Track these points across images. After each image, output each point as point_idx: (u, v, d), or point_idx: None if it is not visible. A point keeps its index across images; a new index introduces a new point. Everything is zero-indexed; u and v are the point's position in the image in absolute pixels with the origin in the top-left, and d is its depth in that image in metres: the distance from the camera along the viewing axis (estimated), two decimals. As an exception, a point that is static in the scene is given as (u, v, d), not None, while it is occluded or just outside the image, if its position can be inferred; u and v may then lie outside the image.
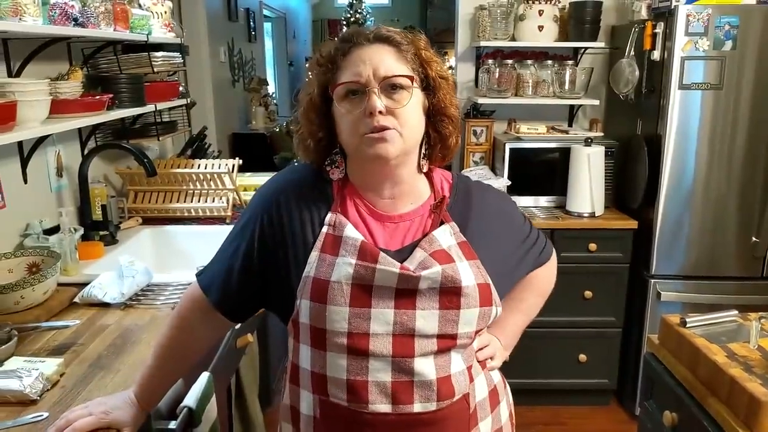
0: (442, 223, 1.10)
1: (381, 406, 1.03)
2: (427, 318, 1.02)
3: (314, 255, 1.05)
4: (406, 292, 1.03)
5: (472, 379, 1.11)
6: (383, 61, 1.03)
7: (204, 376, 1.45)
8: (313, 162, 1.13)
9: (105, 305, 1.73)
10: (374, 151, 1.03)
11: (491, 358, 1.21)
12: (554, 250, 1.34)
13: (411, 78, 1.04)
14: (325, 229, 1.07)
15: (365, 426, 1.04)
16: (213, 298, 1.14)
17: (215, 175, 2.67)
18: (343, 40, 1.08)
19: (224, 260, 1.14)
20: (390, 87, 1.03)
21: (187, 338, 1.18)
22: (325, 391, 1.06)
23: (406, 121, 1.04)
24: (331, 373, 1.05)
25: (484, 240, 1.11)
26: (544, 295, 1.35)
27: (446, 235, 1.08)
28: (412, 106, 1.05)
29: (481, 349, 1.16)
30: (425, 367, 1.03)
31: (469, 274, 1.05)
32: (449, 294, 1.03)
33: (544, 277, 1.32)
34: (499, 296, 1.10)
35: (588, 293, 2.85)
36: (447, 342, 1.04)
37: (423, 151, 1.12)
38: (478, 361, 1.15)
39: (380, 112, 1.01)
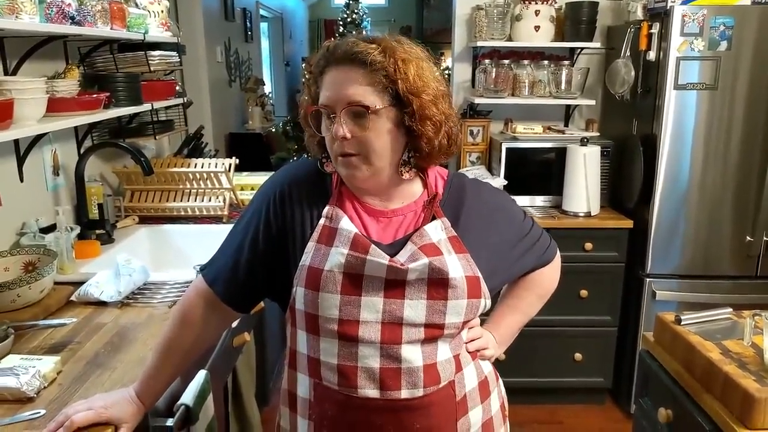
0: (434, 218, 1.12)
1: (369, 391, 1.06)
2: (414, 307, 1.06)
3: (311, 245, 1.09)
4: (395, 283, 1.06)
5: (460, 368, 1.13)
6: (349, 85, 1.03)
7: (201, 374, 1.45)
8: (316, 155, 1.17)
9: (102, 304, 1.73)
10: (346, 173, 1.08)
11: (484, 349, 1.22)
12: (558, 251, 1.33)
13: (367, 108, 1.02)
14: (322, 221, 1.11)
15: (355, 409, 1.08)
16: (220, 290, 1.17)
17: (212, 175, 2.67)
18: (323, 55, 1.08)
19: (230, 253, 1.17)
20: (353, 113, 1.04)
21: (191, 334, 1.20)
22: (319, 374, 1.10)
23: (371, 145, 1.05)
24: (323, 358, 1.08)
25: (475, 235, 1.13)
26: (545, 296, 1.35)
27: (437, 230, 1.10)
28: (377, 131, 1.04)
29: (472, 340, 1.18)
30: (412, 354, 1.06)
31: (457, 266, 1.07)
32: (437, 285, 1.06)
33: (547, 277, 1.32)
34: (493, 290, 1.13)
35: (584, 292, 2.86)
36: (434, 331, 1.07)
37: (405, 159, 1.09)
38: (469, 352, 1.17)
39: (345, 138, 1.03)
